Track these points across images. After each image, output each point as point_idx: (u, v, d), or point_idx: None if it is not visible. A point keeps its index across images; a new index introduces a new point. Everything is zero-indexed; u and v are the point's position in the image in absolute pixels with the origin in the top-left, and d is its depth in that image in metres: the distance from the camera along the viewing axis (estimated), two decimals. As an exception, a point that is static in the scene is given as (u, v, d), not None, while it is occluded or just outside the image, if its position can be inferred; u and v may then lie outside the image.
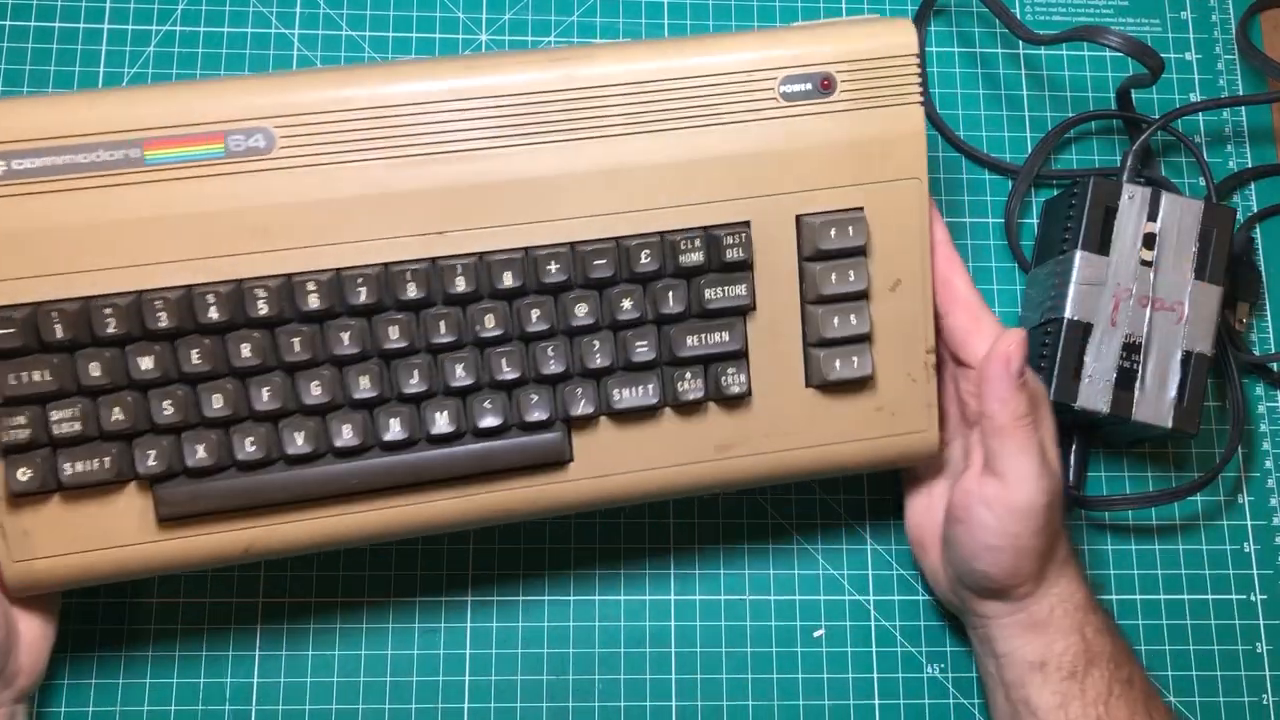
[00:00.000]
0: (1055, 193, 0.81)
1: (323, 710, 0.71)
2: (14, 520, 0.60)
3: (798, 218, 0.64)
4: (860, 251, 0.64)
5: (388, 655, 0.72)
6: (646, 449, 0.64)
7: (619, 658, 0.73)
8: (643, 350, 0.63)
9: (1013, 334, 0.64)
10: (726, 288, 0.64)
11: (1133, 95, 0.81)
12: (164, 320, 0.59)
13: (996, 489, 0.63)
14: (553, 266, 0.62)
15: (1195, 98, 0.84)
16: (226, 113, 0.60)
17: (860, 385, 0.66)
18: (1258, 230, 0.82)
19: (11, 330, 0.58)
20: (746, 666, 0.73)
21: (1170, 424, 0.72)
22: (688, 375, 0.64)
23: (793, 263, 0.65)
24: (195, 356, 0.60)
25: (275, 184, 0.61)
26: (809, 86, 0.64)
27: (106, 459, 0.60)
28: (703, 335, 0.64)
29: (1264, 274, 0.81)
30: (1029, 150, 0.82)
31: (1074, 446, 0.77)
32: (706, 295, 0.63)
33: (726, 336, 0.64)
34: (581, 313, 0.63)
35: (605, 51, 0.64)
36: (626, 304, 0.63)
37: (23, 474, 0.59)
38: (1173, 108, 0.82)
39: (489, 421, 0.62)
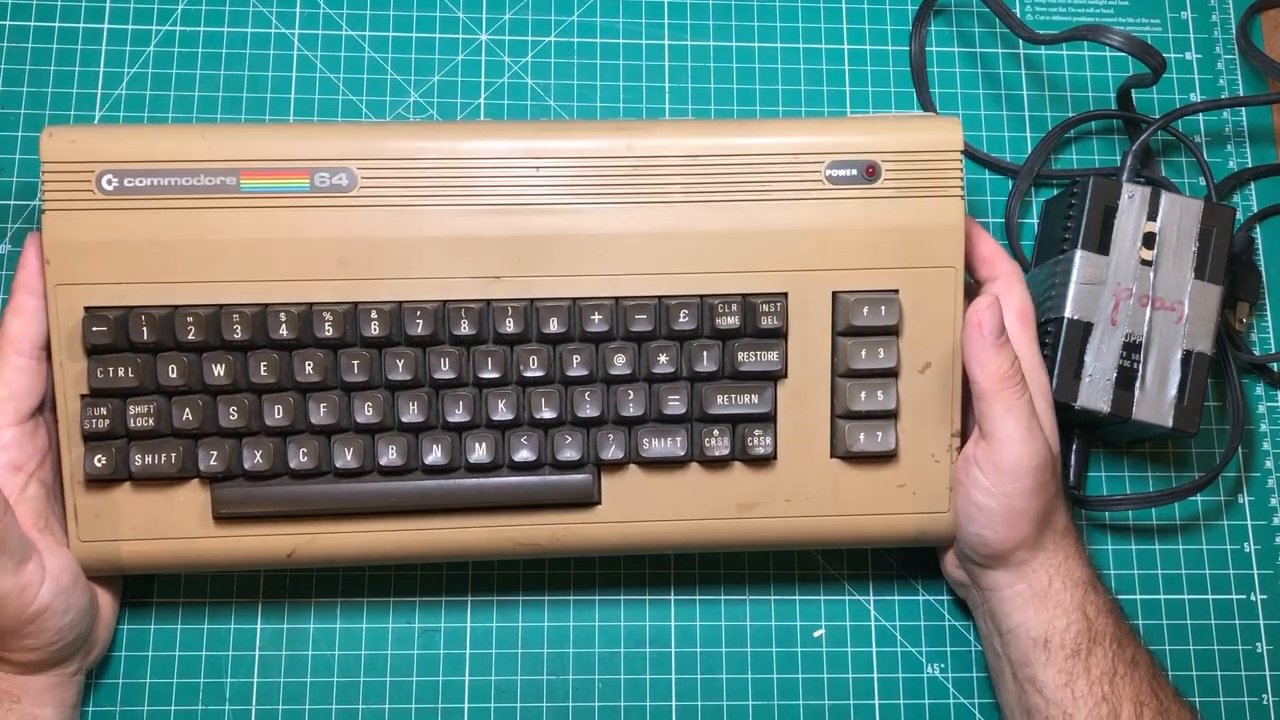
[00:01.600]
0: (1055, 192, 0.87)
1: (323, 710, 0.75)
2: (86, 503, 0.70)
3: (834, 293, 0.73)
4: (893, 331, 0.73)
5: (388, 655, 0.76)
6: (671, 499, 0.73)
7: (619, 657, 0.77)
8: (674, 404, 0.72)
9: (983, 299, 0.70)
10: (760, 352, 0.72)
11: (1133, 95, 0.87)
12: (239, 332, 0.71)
13: (986, 450, 0.70)
14: (596, 317, 0.72)
15: (1195, 98, 0.89)
16: (316, 152, 0.71)
17: (883, 460, 0.73)
18: (1258, 230, 0.87)
19: (104, 328, 0.70)
20: (746, 666, 0.78)
21: (1171, 423, 0.77)
22: (715, 432, 0.72)
23: (826, 336, 0.73)
24: (263, 369, 0.71)
25: (352, 220, 0.71)
26: (854, 172, 0.72)
27: (173, 454, 0.70)
28: (733, 395, 0.72)
29: (1264, 274, 0.86)
30: (1029, 150, 0.88)
31: (1074, 446, 0.82)
32: (739, 357, 0.72)
33: (756, 399, 0.72)
34: (619, 363, 0.72)
35: (666, 127, 0.74)
36: (663, 358, 0.72)
37: (99, 460, 0.69)
38: (1173, 108, 0.87)
39: (524, 456, 0.72)
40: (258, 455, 0.70)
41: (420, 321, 0.71)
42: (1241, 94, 0.89)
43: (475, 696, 0.76)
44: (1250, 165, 0.88)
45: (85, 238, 0.70)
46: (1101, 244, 0.77)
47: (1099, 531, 0.82)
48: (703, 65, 0.86)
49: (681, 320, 0.71)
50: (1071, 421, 0.81)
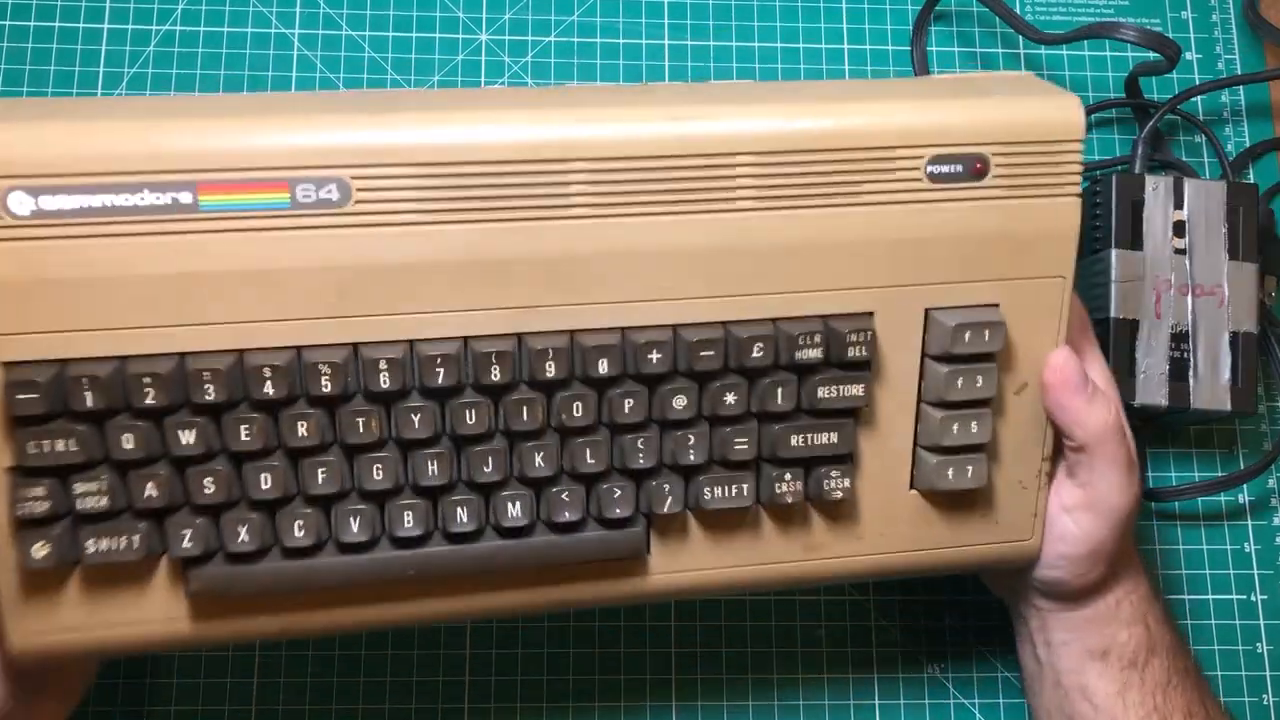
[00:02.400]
0: None
1: (323, 710, 0.66)
2: (26, 594, 0.50)
3: (927, 311, 0.55)
4: (992, 358, 0.55)
5: (387, 655, 0.67)
6: (731, 549, 0.55)
7: (619, 658, 0.68)
8: (742, 448, 0.54)
9: (1057, 353, 0.57)
10: (842, 387, 0.54)
11: (1140, 84, 0.78)
12: (211, 394, 0.49)
13: (1081, 497, 0.59)
14: (654, 356, 0.52)
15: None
16: (296, 157, 0.49)
17: (970, 494, 0.57)
18: (1277, 203, 0.79)
19: (34, 396, 0.48)
20: (746, 666, 0.69)
21: (1230, 407, 0.69)
22: (787, 476, 0.54)
23: (915, 359, 0.56)
24: (244, 434, 0.50)
25: (347, 243, 0.50)
26: (960, 169, 0.55)
27: (135, 536, 0.49)
28: (809, 436, 0.54)
29: (1288, 247, 0.74)
30: None
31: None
32: (819, 394, 0.54)
33: (835, 438, 0.55)
34: (679, 405, 0.53)
35: (730, 108, 0.53)
36: (730, 399, 0.53)
37: (38, 550, 0.49)
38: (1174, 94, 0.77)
39: (566, 515, 0.53)
40: (243, 533, 0.50)
41: (440, 370, 0.50)
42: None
43: (475, 697, 0.67)
44: (1248, 143, 0.81)
45: None
46: (1134, 240, 0.69)
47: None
48: (703, 65, 0.77)
49: (755, 355, 0.52)
50: (1127, 416, 0.75)
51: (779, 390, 0.53)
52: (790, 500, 0.54)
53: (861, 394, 0.54)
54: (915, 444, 0.56)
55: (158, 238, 0.49)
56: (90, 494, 0.49)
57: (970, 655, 0.71)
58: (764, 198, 0.52)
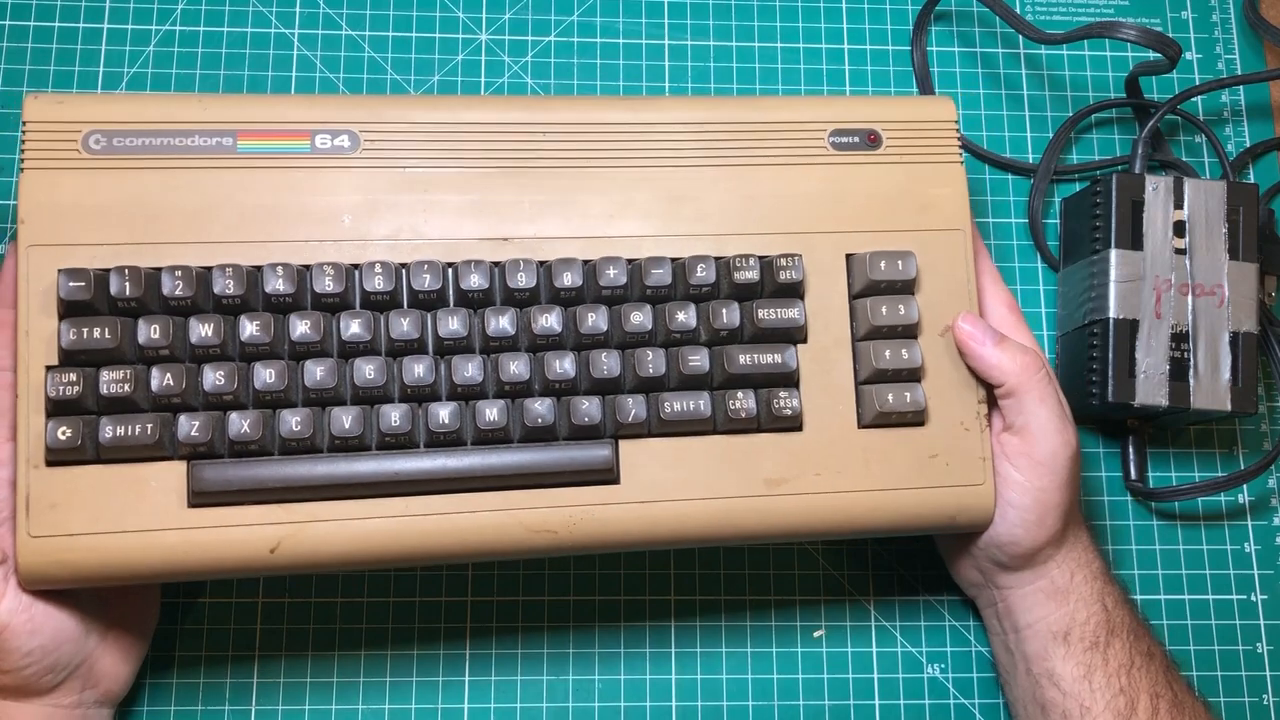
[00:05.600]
0: (1073, 188, 0.85)
1: (323, 710, 0.73)
2: (42, 489, 0.61)
3: (848, 255, 0.70)
4: (910, 288, 0.69)
5: (387, 655, 0.74)
6: (696, 474, 0.66)
7: (619, 658, 0.75)
8: (695, 363, 0.66)
9: (961, 317, 0.69)
10: (780, 310, 0.67)
11: (1140, 83, 0.85)
12: (230, 288, 0.64)
13: (1019, 444, 0.67)
14: (611, 271, 0.66)
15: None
16: (316, 115, 0.67)
17: (913, 425, 0.69)
18: (1277, 203, 0.86)
19: (82, 283, 0.62)
20: (747, 666, 0.75)
21: (1230, 407, 0.75)
22: (739, 395, 0.66)
23: (844, 300, 0.70)
24: (255, 328, 0.64)
25: (355, 181, 0.67)
26: (856, 139, 0.71)
27: (149, 425, 0.61)
28: (755, 356, 0.67)
29: (1288, 246, 0.85)
30: (1030, 147, 0.86)
31: (1131, 441, 0.80)
32: (760, 314, 0.67)
33: (779, 358, 0.67)
34: (637, 320, 0.66)
35: (675, 102, 0.74)
36: (681, 316, 0.67)
37: (62, 433, 0.60)
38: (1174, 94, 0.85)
39: (539, 418, 0.65)
40: (244, 423, 0.62)
41: (427, 277, 0.65)
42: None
43: (475, 697, 0.73)
44: (1248, 143, 0.87)
45: (67, 199, 0.63)
46: (1134, 240, 0.76)
47: (1100, 531, 0.79)
48: (703, 65, 0.85)
49: (699, 275, 0.67)
50: (1127, 416, 0.79)
51: (724, 310, 0.67)
52: (744, 415, 0.66)
53: (798, 316, 0.68)
54: (856, 383, 0.69)
55: (203, 171, 0.65)
56: (115, 381, 0.61)
57: (970, 655, 0.77)
58: (700, 157, 0.70)
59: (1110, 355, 0.75)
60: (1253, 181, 0.83)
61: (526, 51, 0.85)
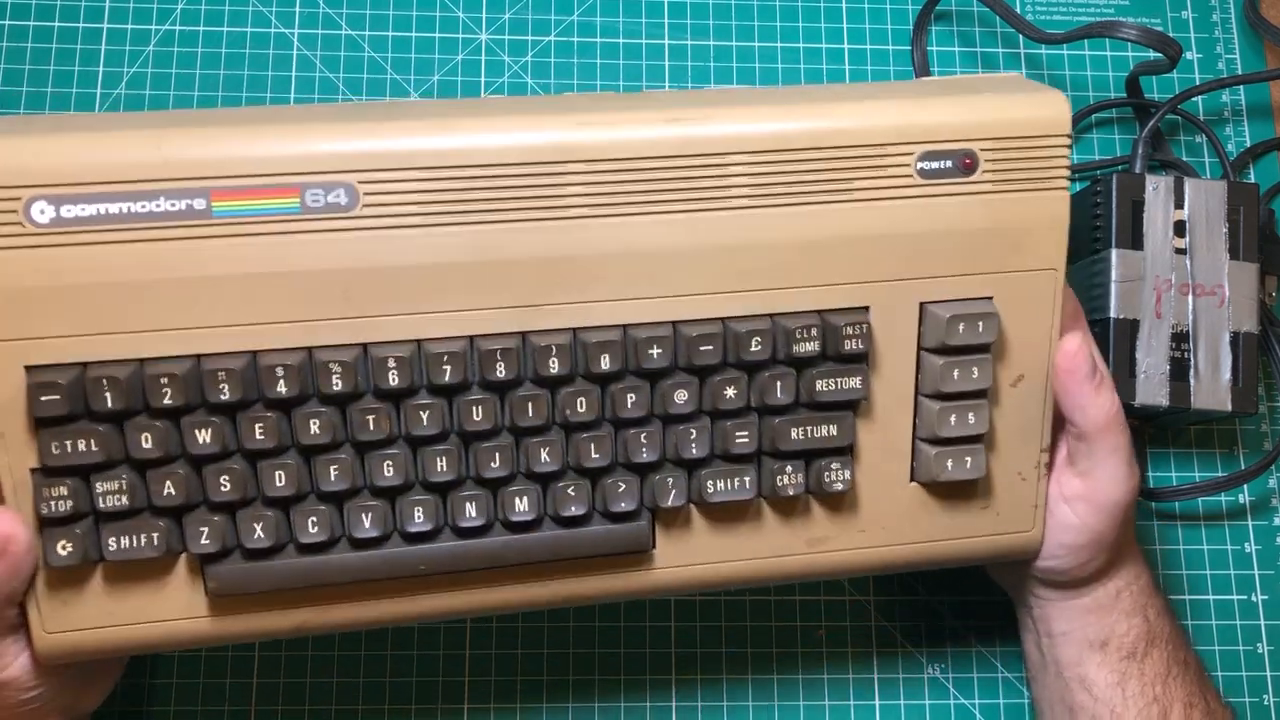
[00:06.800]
0: (1073, 188, 0.78)
1: (322, 710, 0.68)
2: (51, 593, 0.54)
3: (922, 305, 0.58)
4: (987, 349, 0.58)
5: (387, 656, 0.70)
6: (735, 542, 0.58)
7: (619, 658, 0.71)
8: (743, 441, 0.57)
9: (1070, 338, 0.60)
10: (840, 380, 0.57)
11: (1141, 82, 0.80)
12: (226, 394, 0.52)
13: (1081, 488, 0.61)
14: (655, 351, 0.55)
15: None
16: (305, 162, 0.53)
17: (969, 485, 0.60)
18: (1277, 203, 0.81)
19: (56, 398, 0.51)
20: (747, 666, 0.71)
21: (1230, 407, 0.71)
22: (788, 469, 0.57)
23: (911, 352, 0.59)
24: (259, 432, 0.53)
25: (356, 245, 0.53)
26: (949, 164, 0.58)
27: (155, 535, 0.53)
28: (808, 428, 0.57)
29: (1289, 246, 0.76)
30: None
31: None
32: (818, 387, 0.57)
33: (834, 430, 0.58)
34: (681, 400, 0.56)
35: (726, 111, 0.56)
36: (730, 392, 0.56)
37: (63, 548, 0.52)
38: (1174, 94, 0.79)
39: (572, 510, 0.56)
40: (259, 530, 0.53)
41: (447, 368, 0.53)
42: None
43: (475, 697, 0.69)
44: (1248, 143, 0.83)
45: (17, 283, 0.51)
46: (1134, 240, 0.71)
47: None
48: (703, 65, 0.79)
49: (753, 349, 0.56)
50: (1128, 416, 0.74)
51: (778, 384, 0.56)
52: (792, 493, 0.57)
53: (859, 386, 0.57)
54: (914, 437, 0.60)
55: (174, 243, 0.52)
56: (111, 493, 0.52)
57: (970, 655, 0.73)
58: (758, 195, 0.56)
59: (1110, 355, 0.69)
60: (1253, 181, 0.76)
61: (526, 51, 0.79)
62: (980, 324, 0.57)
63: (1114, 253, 0.72)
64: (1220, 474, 0.76)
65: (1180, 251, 0.73)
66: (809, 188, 0.56)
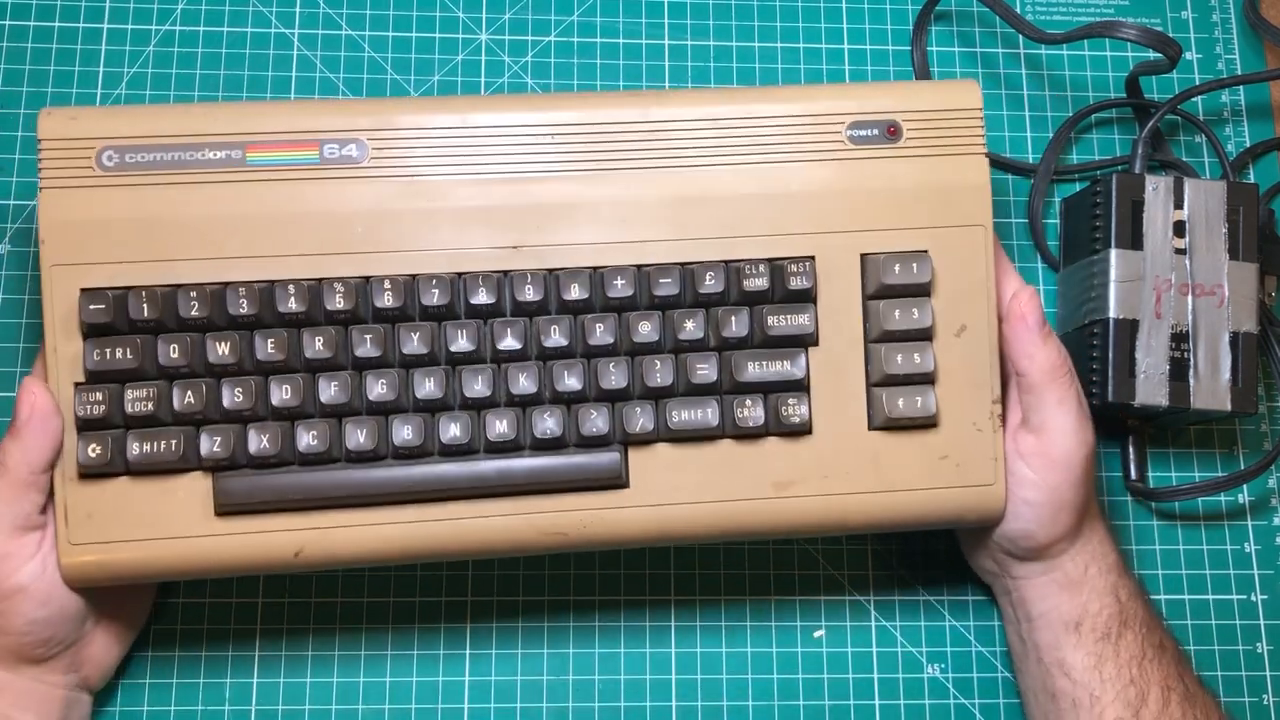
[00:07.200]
0: (1073, 188, 0.85)
1: (322, 710, 0.74)
2: (78, 501, 0.65)
3: (862, 255, 0.70)
4: (925, 290, 0.69)
5: (387, 656, 0.75)
6: (703, 479, 0.68)
7: (618, 658, 0.76)
8: (703, 372, 0.68)
9: (1023, 291, 0.69)
10: (790, 316, 0.68)
11: (1140, 83, 0.86)
12: (244, 307, 0.66)
13: (1035, 443, 0.68)
14: (619, 282, 0.68)
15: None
16: (324, 123, 0.68)
17: (924, 428, 0.69)
18: (1277, 203, 0.86)
19: (102, 306, 0.65)
20: (747, 667, 0.76)
21: (1230, 407, 0.76)
22: (748, 402, 0.68)
23: (857, 301, 0.70)
24: (270, 346, 0.67)
25: (364, 192, 0.68)
26: (875, 132, 0.70)
27: (173, 441, 0.65)
28: (764, 363, 0.68)
29: (1288, 246, 0.85)
30: (1030, 147, 0.87)
31: (1131, 440, 0.81)
32: (769, 322, 0.68)
33: (788, 365, 0.68)
34: (645, 330, 0.68)
35: (682, 95, 0.72)
36: (689, 325, 0.68)
37: (92, 450, 0.65)
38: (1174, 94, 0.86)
39: (547, 431, 0.67)
40: (263, 439, 0.66)
41: (435, 292, 0.67)
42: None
43: (475, 697, 0.74)
44: (1248, 143, 0.88)
45: (83, 216, 0.66)
46: (1134, 240, 0.77)
47: (1104, 530, 0.80)
48: (703, 65, 0.86)
49: (708, 284, 0.67)
50: (1127, 415, 0.80)
51: (733, 318, 0.68)
52: (752, 424, 0.68)
53: (808, 323, 0.68)
54: (868, 385, 0.69)
55: (213, 185, 0.67)
56: (139, 399, 0.65)
57: (970, 655, 0.78)
58: (710, 156, 0.69)
59: (1110, 355, 0.76)
60: (1253, 181, 0.84)
61: (526, 51, 0.85)
62: (915, 264, 0.69)
63: (1114, 253, 0.78)
64: (1220, 474, 0.82)
65: (1180, 251, 0.78)
66: (754, 150, 0.70)
